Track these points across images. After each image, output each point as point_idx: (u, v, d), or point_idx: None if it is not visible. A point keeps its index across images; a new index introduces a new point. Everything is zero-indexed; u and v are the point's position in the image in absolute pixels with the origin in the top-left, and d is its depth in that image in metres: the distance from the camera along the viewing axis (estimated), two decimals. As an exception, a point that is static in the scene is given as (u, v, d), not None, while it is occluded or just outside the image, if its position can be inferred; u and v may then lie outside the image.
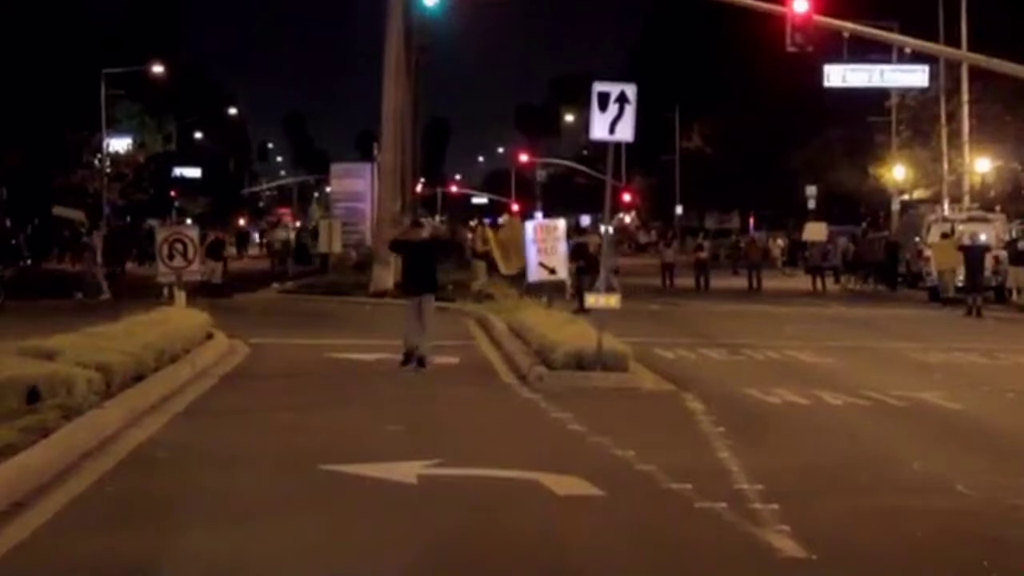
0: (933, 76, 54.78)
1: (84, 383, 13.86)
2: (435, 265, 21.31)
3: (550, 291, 28.13)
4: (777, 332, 27.64)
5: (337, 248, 52.09)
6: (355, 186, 59.90)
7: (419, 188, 71.09)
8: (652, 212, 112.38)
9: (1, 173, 67.73)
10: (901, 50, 52.32)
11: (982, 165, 53.69)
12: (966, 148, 51.39)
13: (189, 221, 46.11)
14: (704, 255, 49.25)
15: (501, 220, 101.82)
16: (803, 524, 9.76)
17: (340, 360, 21.55)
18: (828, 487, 11.45)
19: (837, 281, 51.38)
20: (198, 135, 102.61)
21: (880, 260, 50.12)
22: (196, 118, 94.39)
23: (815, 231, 54.38)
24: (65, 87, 65.27)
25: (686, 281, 48.39)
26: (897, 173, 60.78)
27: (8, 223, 64.75)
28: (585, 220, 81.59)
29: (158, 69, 75.11)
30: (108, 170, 73.57)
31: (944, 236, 41.16)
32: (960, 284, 37.86)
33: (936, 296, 39.12)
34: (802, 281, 51.49)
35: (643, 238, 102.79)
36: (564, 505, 10.61)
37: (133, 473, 11.72)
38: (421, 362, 20.00)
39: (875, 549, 9.33)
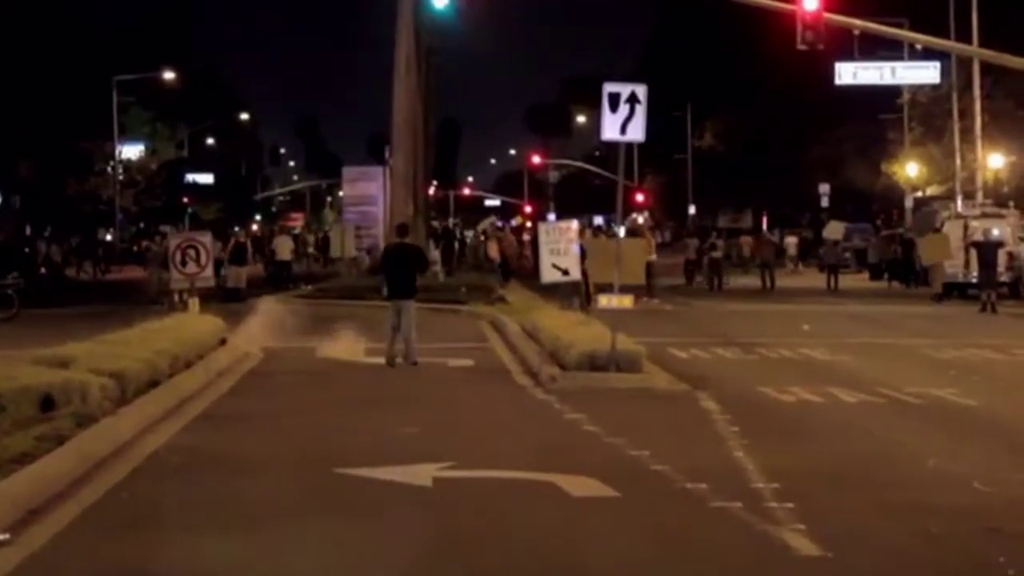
0: (945, 72, 54.65)
1: (98, 390, 13.89)
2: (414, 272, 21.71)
3: (568, 293, 27.95)
4: (791, 330, 27.58)
5: (350, 252, 52.24)
6: (368, 190, 59.88)
7: (431, 191, 71.18)
8: (665, 212, 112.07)
9: (15, 182, 67.92)
10: (912, 46, 52.17)
11: (995, 161, 53.54)
12: (979, 144, 51.21)
13: (236, 229, 46.53)
14: (718, 254, 49.19)
15: (514, 222, 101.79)
16: (819, 522, 9.75)
17: (352, 363, 21.57)
18: (844, 485, 11.41)
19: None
20: (210, 141, 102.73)
21: (895, 257, 50.05)
22: (208, 124, 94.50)
23: (834, 230, 54.40)
24: (77, 95, 65.40)
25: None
26: (910, 170, 60.59)
27: (28, 230, 64.95)
28: (598, 220, 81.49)
29: (169, 75, 75.20)
30: (121, 177, 73.73)
31: (935, 231, 41.36)
32: (950, 279, 38.97)
33: (949, 291, 39.06)
34: (815, 279, 51.42)
35: (656, 238, 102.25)
36: (579, 506, 10.60)
37: (148, 480, 11.74)
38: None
39: (891, 546, 9.31)
